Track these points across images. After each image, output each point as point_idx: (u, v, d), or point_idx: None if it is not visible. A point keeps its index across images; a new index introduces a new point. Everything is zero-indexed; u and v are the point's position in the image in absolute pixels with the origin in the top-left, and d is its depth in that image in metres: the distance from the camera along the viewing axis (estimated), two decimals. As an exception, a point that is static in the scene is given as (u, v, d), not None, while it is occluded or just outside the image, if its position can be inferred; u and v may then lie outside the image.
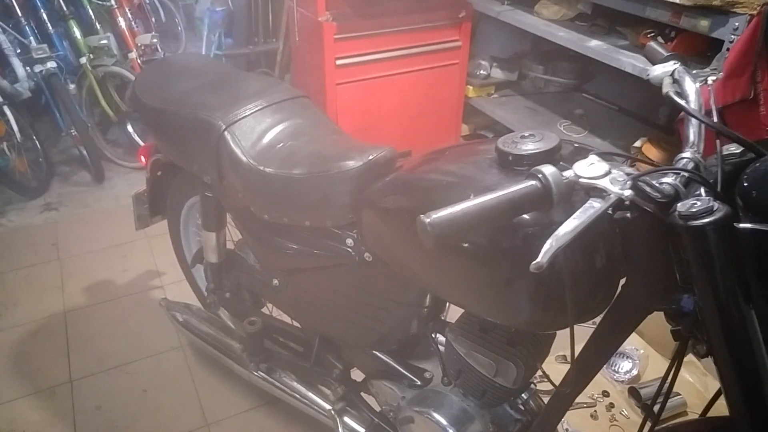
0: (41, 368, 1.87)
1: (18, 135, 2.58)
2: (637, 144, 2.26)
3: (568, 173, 0.64)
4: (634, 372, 1.79)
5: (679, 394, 1.67)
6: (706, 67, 1.83)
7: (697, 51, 1.95)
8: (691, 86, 0.80)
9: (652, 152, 2.17)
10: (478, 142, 1.04)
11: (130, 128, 3.05)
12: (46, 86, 2.75)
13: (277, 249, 1.29)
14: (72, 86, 2.75)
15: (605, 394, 1.74)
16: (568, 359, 1.69)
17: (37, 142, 2.75)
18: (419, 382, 1.24)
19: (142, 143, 2.96)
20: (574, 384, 0.92)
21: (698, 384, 1.70)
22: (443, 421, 1.13)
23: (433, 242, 0.59)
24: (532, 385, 1.15)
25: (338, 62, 2.41)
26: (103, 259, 2.38)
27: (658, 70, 0.85)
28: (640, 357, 1.83)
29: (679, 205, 0.64)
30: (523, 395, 1.15)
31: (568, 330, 0.85)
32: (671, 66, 0.84)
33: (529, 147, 0.83)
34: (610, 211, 0.73)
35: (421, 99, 2.73)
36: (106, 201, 2.76)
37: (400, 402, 1.25)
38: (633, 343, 1.85)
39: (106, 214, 2.66)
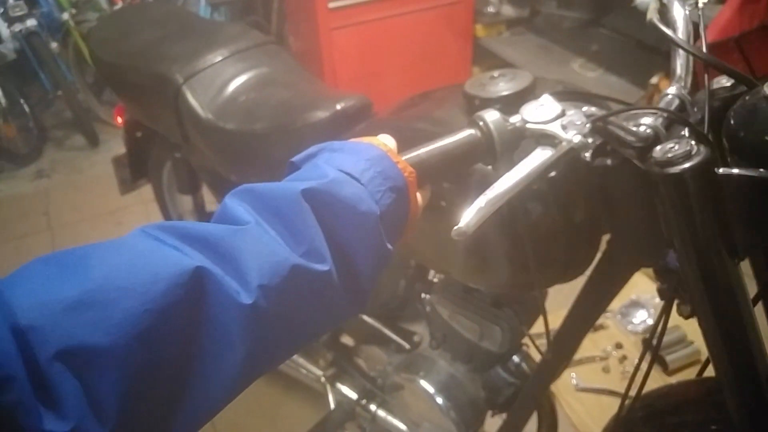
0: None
1: (3, 100, 2.52)
2: (654, 80, 2.09)
3: (515, 119, 0.54)
4: (650, 321, 1.70)
5: (693, 343, 1.59)
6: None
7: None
8: (679, 11, 0.68)
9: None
10: (456, 85, 0.94)
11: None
12: (28, 46, 2.65)
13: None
14: (54, 45, 2.65)
15: (618, 346, 1.66)
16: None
17: (26, 107, 2.69)
18: (408, 346, 1.17)
19: (123, 102, 2.87)
20: (564, 346, 0.84)
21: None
22: (431, 389, 1.07)
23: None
24: (524, 347, 1.07)
25: (331, 5, 2.26)
26: (96, 227, 2.34)
27: None
28: (655, 306, 1.73)
29: (656, 149, 0.54)
30: (514, 358, 1.07)
31: (565, 287, 0.78)
32: None
33: (499, 88, 0.73)
34: (588, 159, 0.63)
35: (425, 41, 2.56)
36: (100, 165, 2.69)
37: (387, 368, 1.19)
38: (648, 290, 1.74)
39: (100, 179, 2.58)
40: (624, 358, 1.62)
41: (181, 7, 1.58)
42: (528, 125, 0.53)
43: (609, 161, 0.63)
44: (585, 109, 0.55)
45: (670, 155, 0.52)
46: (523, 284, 0.83)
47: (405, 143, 0.84)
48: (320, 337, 1.35)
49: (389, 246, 0.48)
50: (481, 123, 0.52)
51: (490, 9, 2.82)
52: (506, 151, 0.52)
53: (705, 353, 1.59)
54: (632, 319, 1.70)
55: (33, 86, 2.94)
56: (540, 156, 0.51)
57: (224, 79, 1.12)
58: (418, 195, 0.54)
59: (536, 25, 2.88)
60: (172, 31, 1.24)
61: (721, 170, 0.51)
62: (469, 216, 0.48)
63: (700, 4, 0.70)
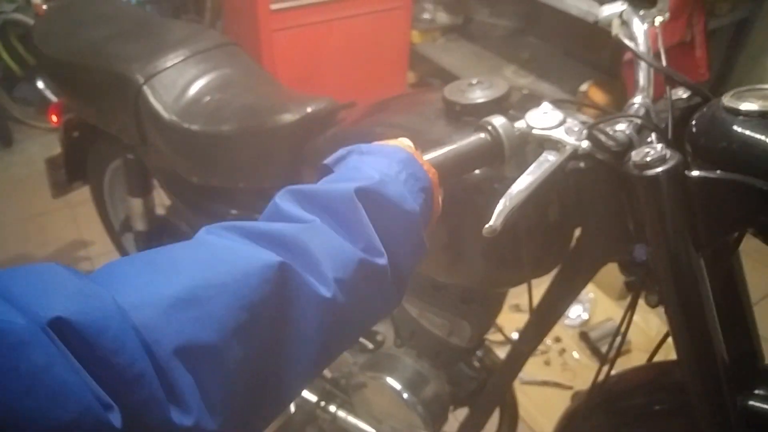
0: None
1: None
2: (584, 87, 2.23)
3: (519, 124, 0.58)
4: (585, 316, 1.82)
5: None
6: (651, 7, 1.80)
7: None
8: (639, 28, 0.75)
9: (598, 96, 2.15)
10: (424, 91, 0.97)
11: (40, 84, 2.72)
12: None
13: (210, 214, 1.20)
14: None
15: (557, 339, 1.76)
16: (522, 308, 1.70)
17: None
18: (371, 346, 1.19)
19: (55, 100, 2.70)
20: (531, 339, 0.89)
21: (641, 322, 1.73)
22: (397, 385, 1.10)
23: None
24: (486, 341, 1.12)
25: (273, 6, 2.24)
26: (17, 233, 2.18)
27: (606, 12, 0.80)
28: (590, 301, 1.85)
29: (633, 153, 0.60)
30: (477, 352, 1.12)
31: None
32: (619, 7, 0.79)
33: (477, 95, 0.77)
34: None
35: (364, 46, 2.60)
36: (17, 167, 2.50)
37: (351, 368, 1.21)
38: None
39: (17, 181, 2.41)
40: (563, 350, 1.72)
41: (129, 3, 1.52)
42: (534, 131, 0.57)
43: (582, 164, 0.69)
44: (577, 116, 0.61)
45: (647, 159, 0.58)
46: (495, 280, 0.88)
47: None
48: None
49: (426, 241, 0.51)
50: (490, 128, 0.56)
51: (426, 16, 2.89)
52: (513, 155, 0.56)
53: (635, 343, 1.72)
54: (569, 314, 1.81)
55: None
56: (548, 158, 0.56)
57: (187, 80, 1.10)
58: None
59: (470, 32, 2.99)
60: (126, 28, 1.20)
61: (690, 173, 0.58)
62: (497, 214, 0.52)
63: (657, 23, 0.77)
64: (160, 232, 1.46)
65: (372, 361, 1.16)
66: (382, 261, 0.46)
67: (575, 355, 1.72)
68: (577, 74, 2.48)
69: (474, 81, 0.79)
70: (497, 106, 0.76)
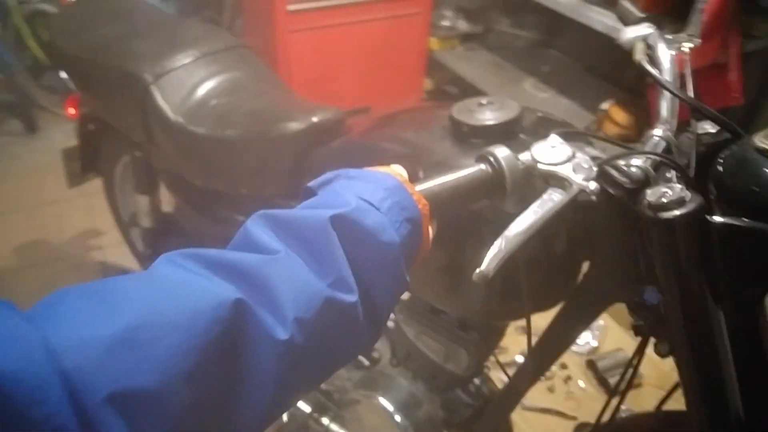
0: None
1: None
2: (604, 106, 2.18)
3: (524, 156, 0.55)
4: (594, 343, 1.77)
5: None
6: (681, 27, 1.74)
7: (669, 8, 1.85)
8: (665, 54, 0.70)
9: (620, 116, 2.10)
10: (436, 106, 0.94)
11: (64, 74, 2.77)
12: (-35, 24, 2.48)
13: (212, 218, 1.18)
14: (-5, 25, 2.48)
15: (563, 366, 1.71)
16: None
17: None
18: (367, 363, 1.17)
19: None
20: (528, 375, 0.86)
21: (655, 355, 1.68)
22: (390, 407, 1.07)
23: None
24: (486, 370, 1.09)
25: (290, 8, 2.22)
26: (35, 218, 2.19)
27: (630, 34, 0.76)
28: (599, 328, 1.80)
29: (648, 192, 0.56)
30: (475, 380, 1.09)
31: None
32: (644, 30, 0.75)
33: (487, 116, 0.74)
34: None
35: (380, 50, 2.57)
36: (39, 153, 2.52)
37: (345, 384, 1.18)
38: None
39: (39, 168, 2.42)
40: (569, 378, 1.67)
41: (146, 1, 1.51)
42: (539, 166, 0.54)
43: (594, 198, 0.66)
44: (588, 150, 0.57)
45: (664, 200, 0.54)
46: (495, 312, 0.84)
47: (390, 163, 0.84)
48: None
49: (407, 277, 0.48)
50: (492, 159, 0.53)
51: (446, 23, 2.85)
52: (515, 190, 0.53)
53: (647, 377, 1.65)
54: (576, 341, 1.77)
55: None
56: (552, 198, 0.52)
57: (195, 82, 1.08)
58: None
59: (489, 41, 2.94)
60: (139, 26, 1.19)
61: (711, 218, 0.54)
62: (490, 259, 0.49)
63: (686, 48, 0.73)
64: (165, 230, 1.44)
65: (366, 378, 1.13)
66: (352, 298, 0.42)
67: (581, 384, 1.67)
68: (599, 91, 2.43)
69: (484, 101, 0.76)
70: (507, 129, 0.73)
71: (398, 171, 0.53)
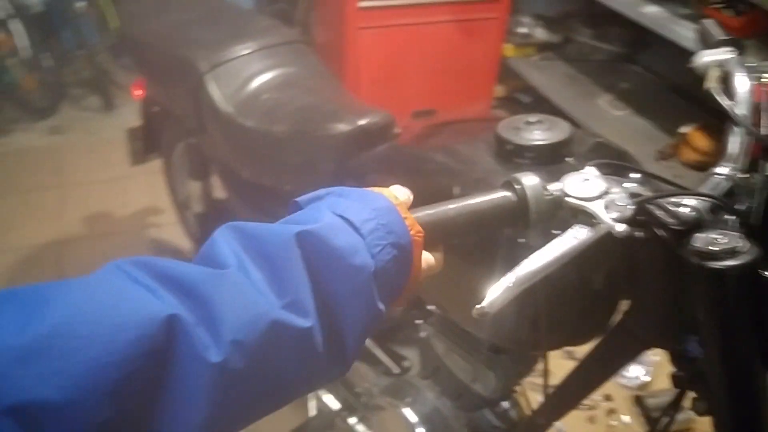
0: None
1: (28, 51, 2.49)
2: (684, 129, 2.04)
3: (554, 187, 0.50)
4: (645, 378, 1.66)
5: (686, 408, 1.55)
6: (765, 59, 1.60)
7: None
8: (742, 84, 0.64)
9: (701, 141, 1.95)
10: (488, 118, 0.91)
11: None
12: (55, 1, 2.63)
13: (258, 210, 1.18)
14: (81, 4, 2.61)
15: (607, 398, 1.62)
16: (575, 356, 1.58)
17: (49, 62, 2.65)
18: (397, 370, 1.14)
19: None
20: (548, 415, 0.80)
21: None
22: (413, 418, 1.05)
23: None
24: (515, 394, 1.04)
25: (361, 4, 2.21)
26: (103, 191, 2.31)
27: (705, 57, 0.69)
28: (653, 363, 1.69)
29: (696, 237, 0.50)
30: (503, 404, 1.04)
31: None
32: (722, 55, 0.68)
33: (533, 136, 0.69)
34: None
35: (452, 53, 2.52)
36: (113, 130, 2.63)
37: (373, 388, 1.16)
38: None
39: (111, 143, 2.53)
40: (612, 411, 1.58)
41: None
42: (568, 199, 0.49)
43: (639, 234, 0.60)
44: (628, 186, 0.52)
45: (713, 248, 0.49)
46: (525, 342, 0.80)
47: (425, 176, 0.81)
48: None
49: (381, 306, 0.44)
50: (517, 187, 0.49)
51: (523, 30, 2.77)
52: (540, 222, 0.49)
53: (700, 420, 1.53)
54: (626, 373, 1.66)
55: (57, 42, 2.87)
56: (576, 235, 0.48)
57: (249, 74, 1.09)
58: (428, 256, 0.50)
59: (567, 52, 2.83)
60: (202, 14, 1.21)
61: (766, 273, 0.48)
62: (494, 295, 0.45)
63: (767, 79, 0.66)
64: (216, 216, 1.47)
65: (393, 386, 1.11)
66: (306, 323, 0.39)
67: (625, 419, 1.57)
68: (680, 113, 2.27)
69: (534, 119, 0.72)
70: (553, 151, 0.69)
71: (396, 193, 0.50)
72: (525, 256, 0.48)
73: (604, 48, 2.73)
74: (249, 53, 1.10)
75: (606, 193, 0.49)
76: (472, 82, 2.68)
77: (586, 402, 1.58)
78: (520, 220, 0.49)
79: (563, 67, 2.76)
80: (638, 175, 0.69)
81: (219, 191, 1.46)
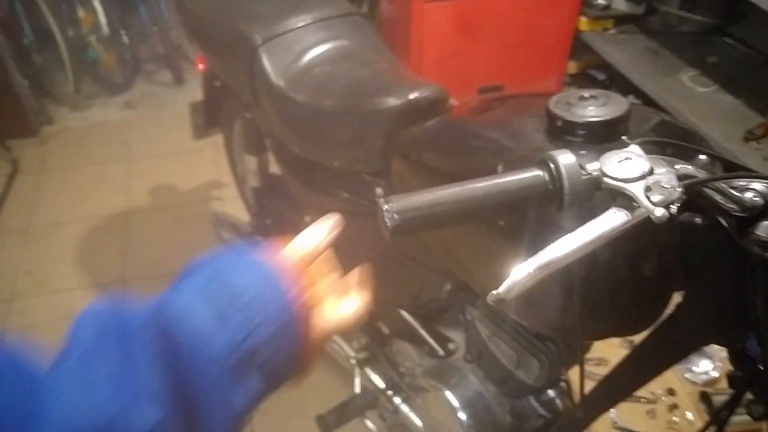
0: (98, 264, 1.96)
1: (106, 28, 2.61)
2: (773, 110, 1.87)
3: (592, 166, 0.46)
4: (714, 374, 1.55)
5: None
6: None
7: None
8: None
9: (793, 123, 1.79)
10: (540, 95, 0.85)
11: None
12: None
13: (309, 186, 1.19)
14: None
15: (670, 392, 1.53)
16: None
17: (125, 38, 2.77)
18: (441, 353, 1.12)
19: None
20: (593, 406, 0.76)
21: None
22: (456, 402, 1.03)
23: (390, 235, 0.45)
24: (562, 383, 1.00)
25: (427, -23, 2.16)
26: (169, 164, 2.41)
27: None
28: (723, 359, 1.58)
29: (761, 224, 0.45)
30: (550, 392, 1.01)
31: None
32: None
33: (586, 113, 0.64)
34: (674, 211, 0.55)
35: (521, 27, 2.42)
36: (181, 104, 2.74)
37: (416, 369, 1.15)
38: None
39: (179, 117, 2.63)
40: (675, 406, 1.49)
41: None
42: (606, 179, 0.45)
43: (698, 219, 0.55)
44: (678, 167, 0.47)
45: (776, 237, 0.44)
46: (569, 330, 0.75)
47: (471, 153, 0.78)
48: None
49: (255, 390, 0.39)
50: (552, 165, 0.45)
51: (600, 1, 2.62)
52: (575, 203, 0.45)
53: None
54: (693, 367, 1.56)
55: (133, 19, 3.00)
56: (611, 220, 0.43)
57: (302, 47, 1.08)
58: (347, 307, 0.45)
59: (650, 25, 2.65)
60: (260, -13, 1.21)
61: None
62: (512, 281, 0.42)
63: None
64: (271, 191, 1.50)
65: (437, 368, 1.10)
66: (155, 415, 0.35)
67: (689, 416, 1.48)
68: (772, 92, 2.09)
69: (587, 94, 0.66)
70: (606, 129, 0.63)
71: (295, 249, 0.45)
72: (556, 237, 0.44)
73: (692, 19, 2.52)
74: (303, 26, 1.09)
75: (649, 173, 0.44)
76: (542, 58, 2.57)
77: (645, 395, 1.52)
78: (554, 200, 0.45)
79: (644, 41, 2.59)
80: (704, 157, 0.63)
81: (274, 167, 1.48)
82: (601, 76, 2.81)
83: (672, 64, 2.43)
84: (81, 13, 2.63)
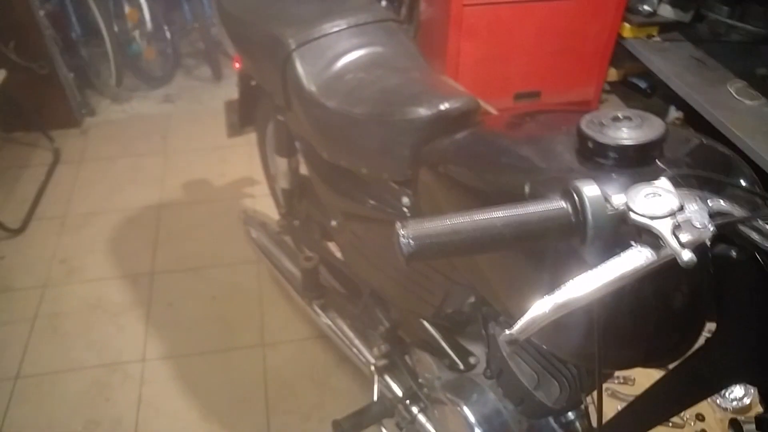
0: (129, 255, 2.00)
1: (150, 24, 2.66)
2: (824, 126, 1.78)
3: (618, 200, 0.44)
4: (746, 401, 1.50)
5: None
6: None
7: None
8: None
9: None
10: (573, 111, 0.83)
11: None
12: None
13: (336, 189, 1.18)
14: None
15: (699, 417, 1.49)
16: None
17: (168, 34, 2.82)
18: (461, 366, 1.11)
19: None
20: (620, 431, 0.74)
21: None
22: (472, 418, 1.01)
23: (405, 262, 0.44)
24: (583, 406, 0.97)
25: (467, -19, 2.13)
26: (203, 159, 2.44)
27: None
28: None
29: None
30: (570, 414, 0.98)
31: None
32: None
33: (620, 135, 0.62)
34: (708, 243, 0.52)
35: (562, 32, 2.37)
36: (218, 100, 2.76)
37: (435, 381, 1.14)
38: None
39: (215, 113, 2.67)
40: None
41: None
42: (632, 215, 0.43)
43: (733, 252, 0.52)
44: (711, 203, 0.45)
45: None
46: (591, 358, 0.73)
47: (499, 170, 0.76)
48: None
49: None
50: (576, 198, 0.43)
51: (646, 7, 2.54)
52: (599, 238, 0.43)
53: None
54: (725, 393, 1.51)
55: (176, 15, 3.06)
56: (635, 259, 0.42)
57: (335, 53, 1.07)
58: None
59: (696, 33, 2.56)
60: (297, -10, 1.21)
61: None
62: (528, 320, 0.40)
63: None
64: (300, 193, 1.50)
65: (455, 383, 1.08)
66: None
67: (716, 441, 1.44)
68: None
69: (621, 115, 0.64)
70: (641, 153, 0.61)
71: None
72: (578, 268, 0.43)
73: (742, 27, 2.43)
74: (338, 31, 1.09)
75: (678, 211, 0.42)
76: (581, 65, 2.51)
77: (674, 419, 1.48)
78: (576, 234, 0.43)
79: (689, 50, 2.50)
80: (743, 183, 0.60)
81: (305, 169, 1.48)
82: (643, 85, 2.73)
83: (718, 75, 2.34)
84: (127, 9, 2.70)
